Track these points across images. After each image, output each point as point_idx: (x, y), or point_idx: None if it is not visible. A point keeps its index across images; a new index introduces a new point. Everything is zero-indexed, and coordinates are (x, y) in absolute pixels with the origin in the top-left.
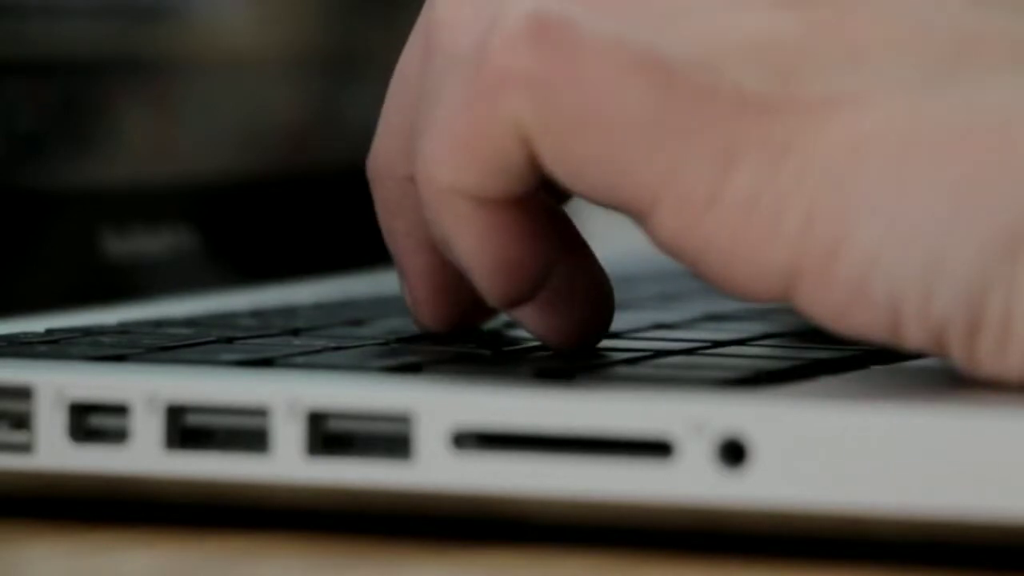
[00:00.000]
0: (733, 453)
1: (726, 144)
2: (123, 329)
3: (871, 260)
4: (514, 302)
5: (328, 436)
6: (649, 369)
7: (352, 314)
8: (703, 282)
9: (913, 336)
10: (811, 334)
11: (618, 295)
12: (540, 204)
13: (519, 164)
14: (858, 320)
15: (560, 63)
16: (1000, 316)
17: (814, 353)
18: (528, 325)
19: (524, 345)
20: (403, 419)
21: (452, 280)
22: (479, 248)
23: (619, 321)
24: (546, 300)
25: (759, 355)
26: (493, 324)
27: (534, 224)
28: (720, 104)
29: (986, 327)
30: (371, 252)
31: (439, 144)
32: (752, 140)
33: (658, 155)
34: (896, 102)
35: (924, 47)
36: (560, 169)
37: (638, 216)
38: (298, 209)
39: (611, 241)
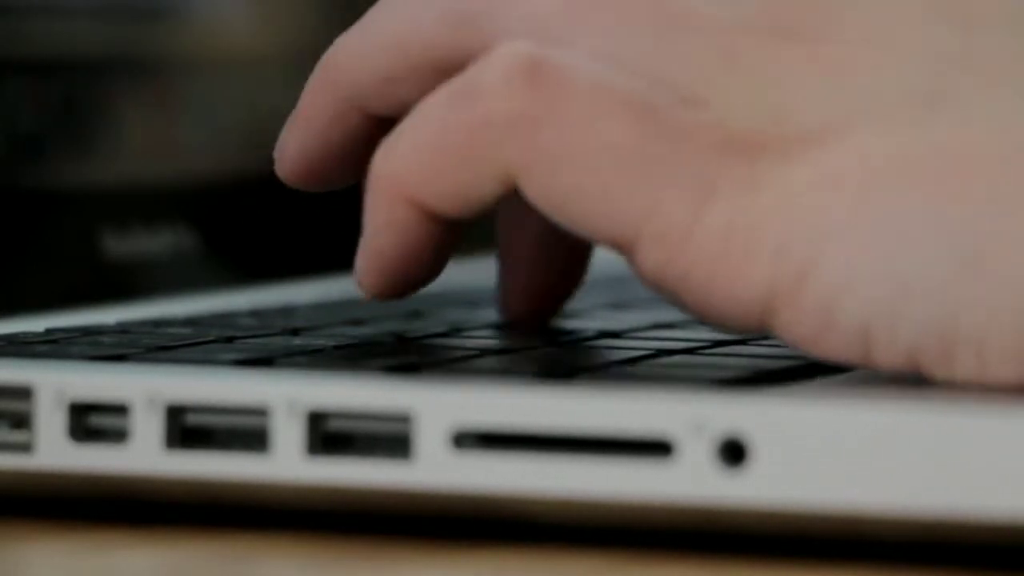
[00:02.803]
0: (733, 453)
1: (705, 178)
2: (123, 329)
3: (839, 287)
4: (378, 297)
5: (328, 436)
6: (649, 369)
7: (352, 314)
8: (686, 313)
9: (886, 362)
10: None
11: (618, 295)
12: (461, 228)
13: (489, 197)
14: (831, 346)
15: (549, 103)
16: (973, 338)
17: None
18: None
19: (524, 345)
20: (403, 419)
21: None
22: (390, 247)
23: (619, 321)
24: (522, 262)
25: (759, 355)
26: (492, 324)
27: (448, 246)
28: (704, 142)
29: (960, 351)
30: None
31: (418, 154)
32: (730, 176)
33: (639, 190)
34: (871, 132)
35: (909, 74)
36: (545, 204)
37: (623, 251)
38: (298, 209)
39: None
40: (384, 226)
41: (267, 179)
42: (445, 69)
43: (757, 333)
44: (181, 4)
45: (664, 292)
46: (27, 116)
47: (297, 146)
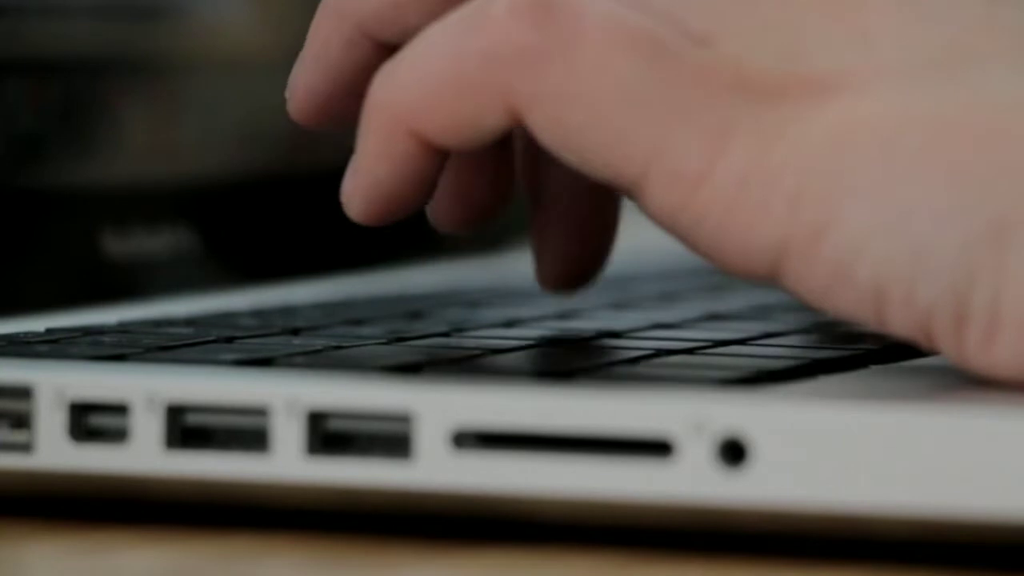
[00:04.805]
0: (733, 453)
1: (720, 123)
2: (123, 329)
3: (856, 245)
4: (367, 222)
5: (328, 436)
6: (649, 369)
7: (352, 314)
8: (696, 255)
9: (898, 323)
10: (811, 334)
11: (618, 295)
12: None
13: (492, 130)
14: (842, 301)
15: (557, 38)
16: (987, 307)
17: (814, 353)
18: (535, 252)
19: (524, 345)
20: (403, 419)
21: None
22: (386, 177)
23: (619, 321)
24: (552, 240)
25: (759, 355)
26: (492, 324)
27: (435, 174)
28: (718, 83)
29: (973, 318)
30: (371, 252)
31: (420, 83)
32: (746, 121)
33: (649, 129)
34: (894, 89)
35: (932, 35)
36: (551, 139)
37: (630, 188)
38: (298, 209)
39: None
40: (381, 155)
41: (267, 179)
42: None
43: (766, 282)
44: (181, 4)
45: (674, 233)
46: (27, 116)
47: (307, 81)
